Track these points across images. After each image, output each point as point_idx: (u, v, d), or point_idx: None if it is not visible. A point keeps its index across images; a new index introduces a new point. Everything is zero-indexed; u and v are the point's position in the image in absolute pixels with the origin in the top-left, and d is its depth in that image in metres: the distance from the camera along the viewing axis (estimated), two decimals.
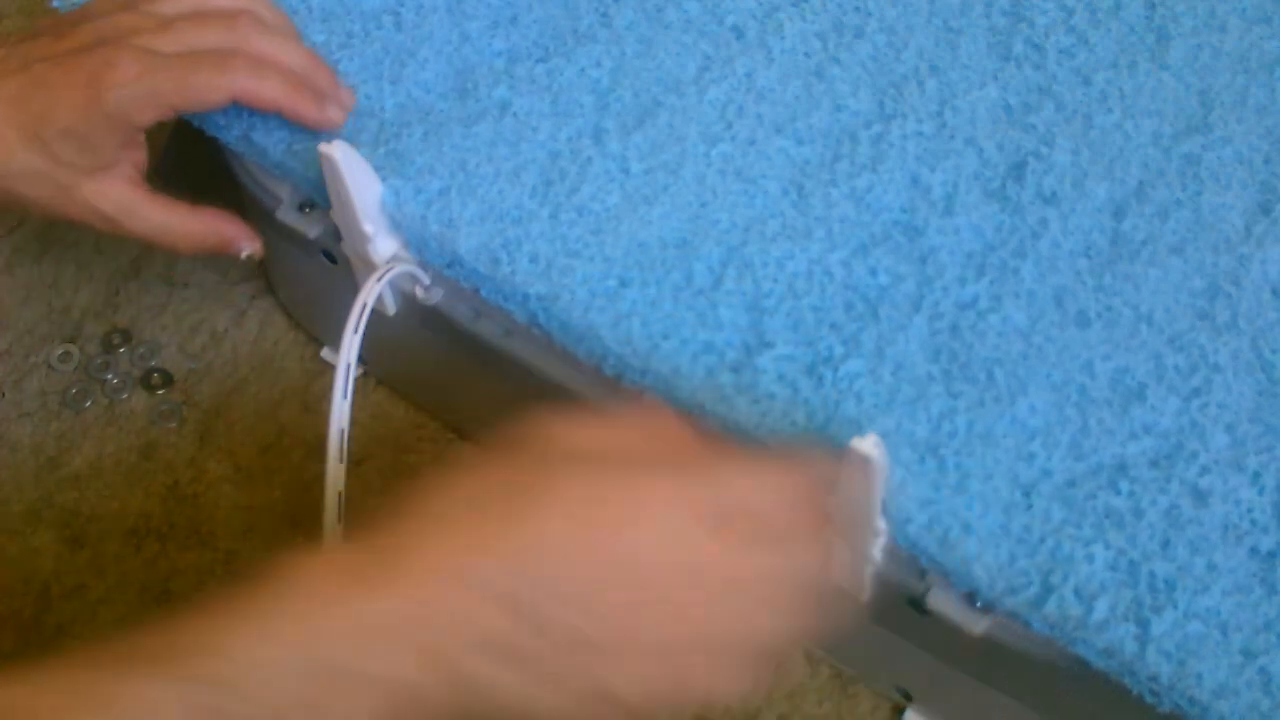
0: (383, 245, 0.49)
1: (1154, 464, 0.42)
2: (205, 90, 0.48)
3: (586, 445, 0.38)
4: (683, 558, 0.36)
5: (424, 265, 0.49)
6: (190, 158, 0.64)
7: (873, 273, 0.46)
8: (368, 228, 0.48)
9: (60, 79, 0.47)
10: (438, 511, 0.36)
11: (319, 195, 0.50)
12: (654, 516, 0.36)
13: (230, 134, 0.52)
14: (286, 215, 0.52)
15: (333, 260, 0.53)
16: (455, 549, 0.36)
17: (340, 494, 0.45)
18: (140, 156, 0.51)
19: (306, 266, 0.55)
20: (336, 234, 0.50)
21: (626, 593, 0.36)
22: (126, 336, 0.63)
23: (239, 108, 0.51)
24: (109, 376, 0.61)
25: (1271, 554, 0.40)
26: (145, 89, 0.47)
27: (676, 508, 0.36)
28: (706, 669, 0.37)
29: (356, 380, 0.47)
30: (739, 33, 0.53)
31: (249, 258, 0.53)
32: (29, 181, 0.48)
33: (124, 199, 0.50)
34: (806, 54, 0.53)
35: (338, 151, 0.45)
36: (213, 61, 0.48)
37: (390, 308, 0.51)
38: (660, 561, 0.36)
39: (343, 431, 0.45)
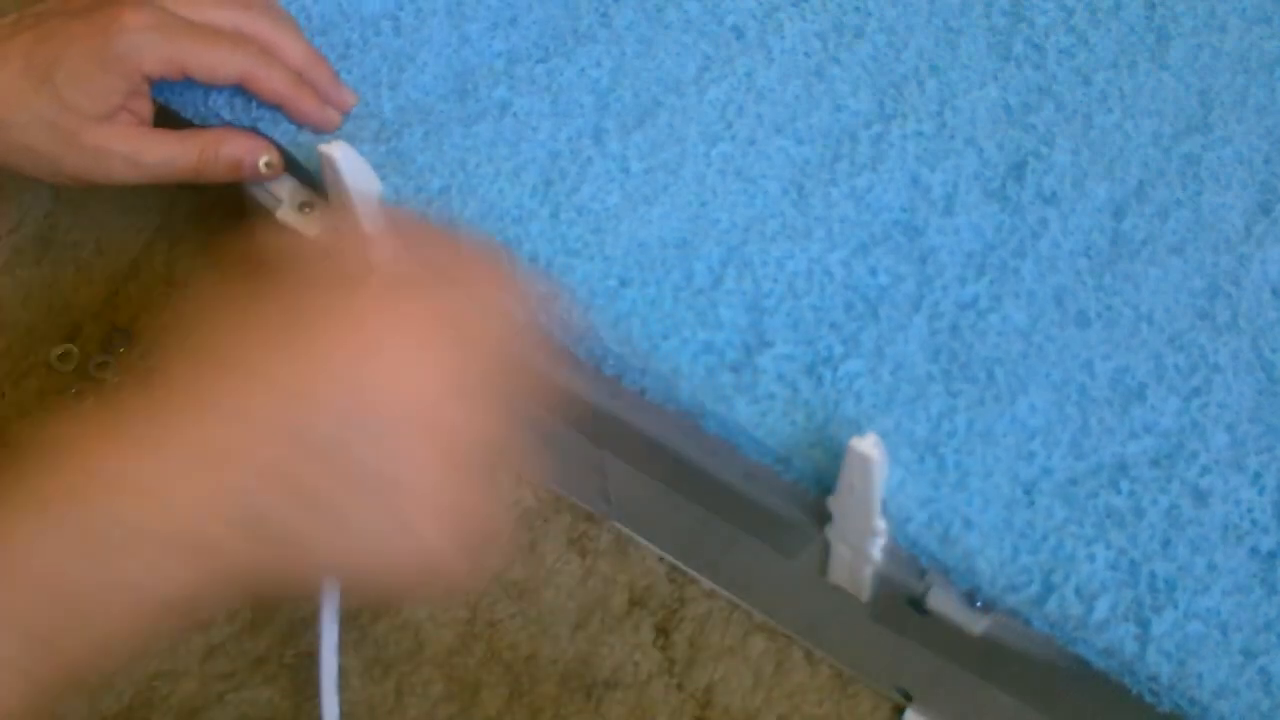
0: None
1: (1155, 463, 0.42)
2: (216, 62, 0.48)
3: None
4: (471, 414, 0.35)
5: None
6: None
7: (873, 272, 0.46)
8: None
9: (75, 28, 0.48)
10: (209, 349, 0.35)
11: (319, 194, 0.50)
12: (441, 353, 0.35)
13: None
14: (286, 215, 0.52)
15: None
16: (229, 389, 0.34)
17: None
18: (145, 108, 0.51)
19: None
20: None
21: (419, 432, 0.34)
22: (126, 336, 0.63)
23: (243, 103, 0.51)
24: (109, 377, 0.61)
25: (1272, 554, 0.40)
26: (158, 38, 0.48)
27: (466, 348, 0.36)
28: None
29: None
30: (739, 33, 0.53)
31: (268, 166, 0.52)
32: (37, 131, 0.48)
33: (132, 137, 0.50)
34: (806, 54, 0.53)
35: (338, 151, 0.45)
36: (228, 38, 0.49)
37: None
38: (454, 413, 0.35)
39: None
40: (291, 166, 0.51)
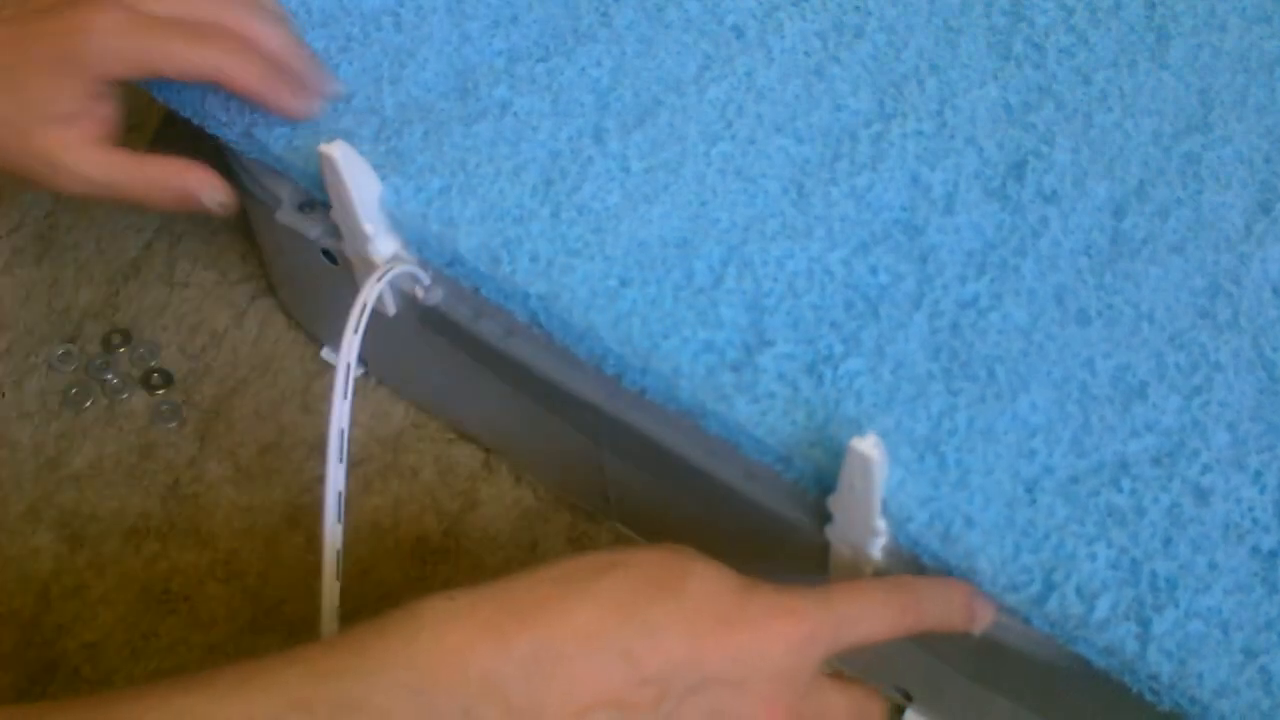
0: (383, 245, 0.49)
1: (1156, 462, 0.42)
2: (185, 60, 0.47)
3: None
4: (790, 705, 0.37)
5: (424, 265, 0.49)
6: (189, 156, 0.64)
7: (873, 271, 0.46)
8: (368, 227, 0.48)
9: (46, 25, 0.47)
10: (579, 579, 0.36)
11: (319, 194, 0.50)
12: (779, 649, 0.37)
13: (232, 131, 0.52)
14: (286, 215, 0.52)
15: (333, 260, 0.53)
16: (595, 612, 0.35)
17: (340, 494, 0.45)
18: (109, 113, 0.50)
19: (306, 266, 0.55)
20: (336, 234, 0.50)
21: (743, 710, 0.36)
22: (126, 336, 0.63)
23: (239, 104, 0.51)
24: (109, 376, 0.61)
25: (1273, 553, 0.40)
26: (123, 41, 0.47)
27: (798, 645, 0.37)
28: None
29: (356, 380, 0.47)
30: (739, 32, 0.53)
31: (221, 206, 0.51)
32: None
33: (81, 149, 0.49)
34: (806, 53, 0.53)
35: (338, 151, 0.45)
36: (199, 32, 0.48)
37: (390, 308, 0.51)
38: (773, 706, 0.37)
39: (343, 431, 0.45)
40: (291, 168, 0.51)
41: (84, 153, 0.48)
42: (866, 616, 0.38)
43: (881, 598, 0.39)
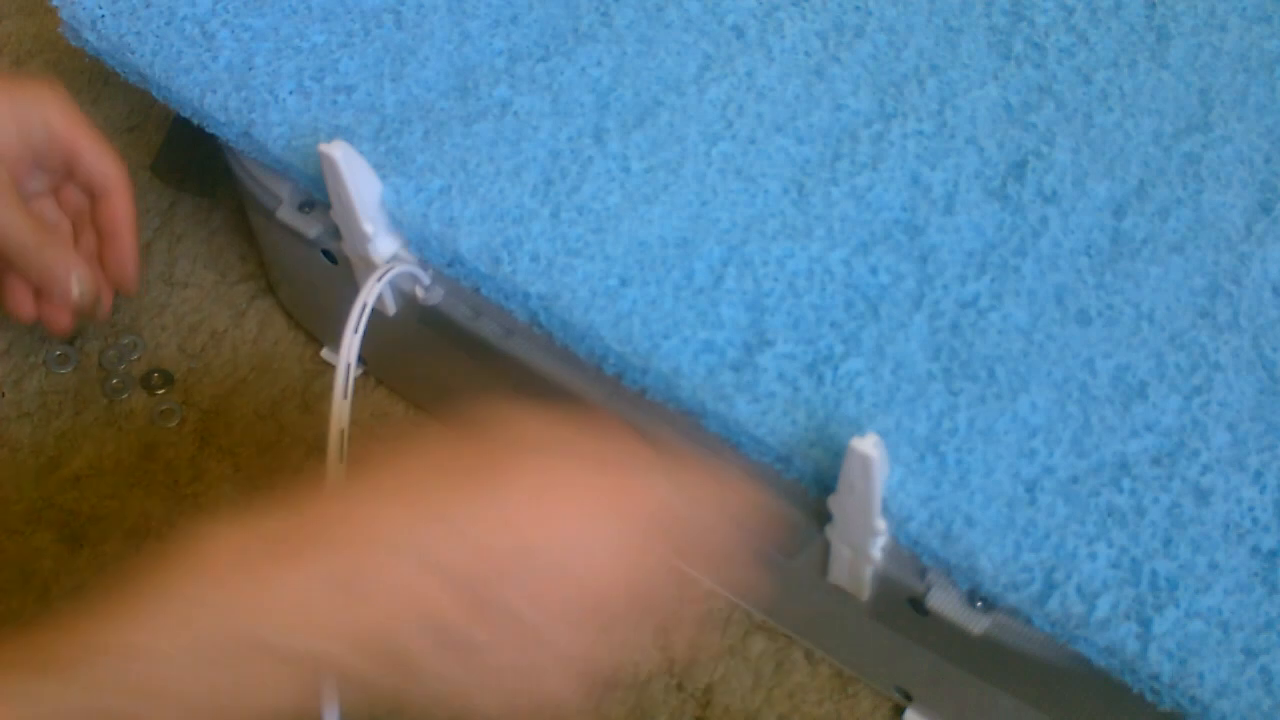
0: (383, 245, 0.49)
1: (1156, 462, 0.42)
2: None
3: (549, 436, 0.37)
4: (626, 575, 0.36)
5: (424, 264, 0.49)
6: (188, 156, 0.64)
7: (873, 271, 0.46)
8: (368, 227, 0.48)
9: None
10: (389, 486, 0.35)
11: (319, 193, 0.50)
12: (607, 522, 0.36)
13: (231, 131, 0.52)
14: (286, 215, 0.52)
15: (333, 260, 0.53)
16: (399, 519, 0.34)
17: None
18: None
19: (306, 266, 0.55)
20: (336, 233, 0.50)
21: (575, 595, 0.35)
22: (127, 337, 0.63)
23: (237, 104, 0.51)
24: (109, 377, 0.61)
25: (1273, 553, 0.40)
26: None
27: (628, 519, 0.36)
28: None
29: (356, 380, 0.47)
30: (739, 32, 0.53)
31: (81, 295, 0.52)
32: None
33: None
34: (807, 53, 0.53)
35: (338, 151, 0.45)
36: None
37: (390, 308, 0.51)
38: (611, 577, 0.36)
39: (343, 431, 0.45)
40: (291, 168, 0.51)
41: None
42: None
43: (700, 477, 0.39)
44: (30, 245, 0.50)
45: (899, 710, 0.52)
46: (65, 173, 0.53)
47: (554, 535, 0.35)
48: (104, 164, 0.52)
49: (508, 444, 0.37)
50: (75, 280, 0.51)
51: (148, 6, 0.55)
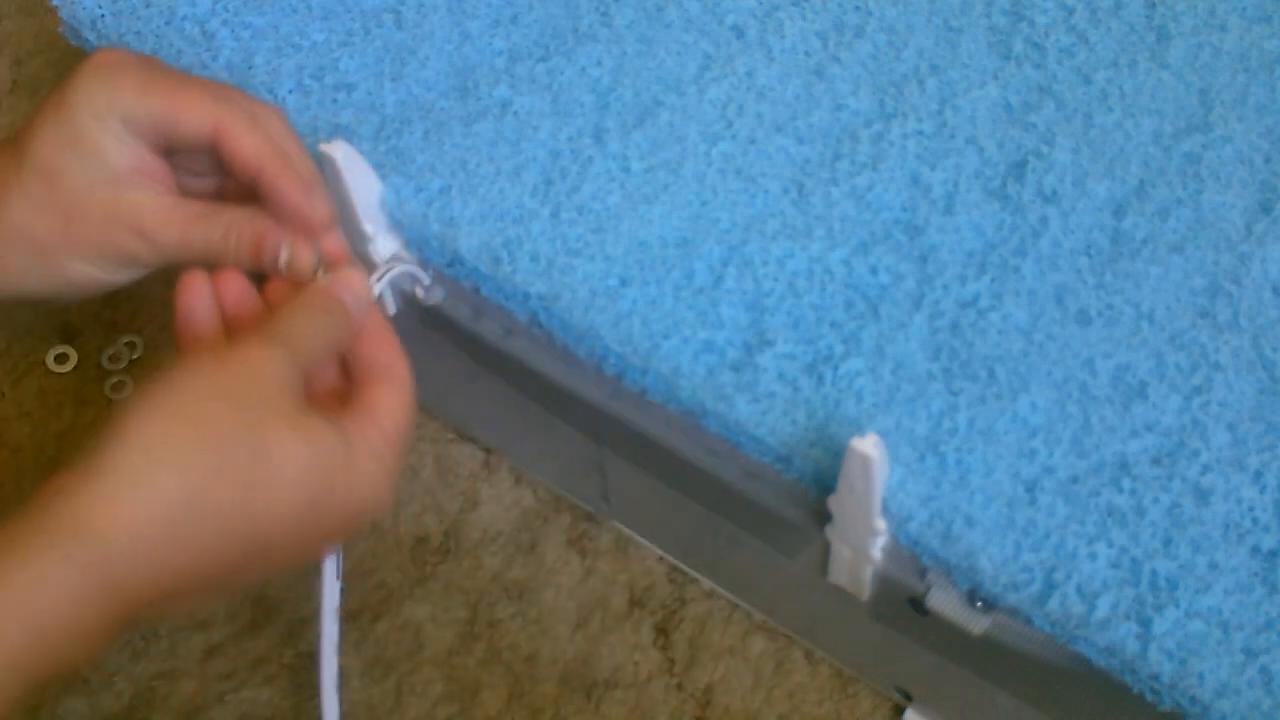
0: (383, 245, 0.49)
1: (1156, 462, 0.42)
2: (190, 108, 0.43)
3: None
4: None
5: (424, 264, 0.49)
6: None
7: (873, 271, 0.46)
8: (368, 227, 0.48)
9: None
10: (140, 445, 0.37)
11: None
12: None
13: None
14: None
15: None
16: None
17: None
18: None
19: None
20: None
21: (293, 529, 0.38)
22: (127, 337, 0.63)
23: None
24: (109, 376, 0.61)
25: (1273, 553, 0.40)
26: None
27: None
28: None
29: None
30: (739, 32, 0.53)
31: (287, 266, 0.44)
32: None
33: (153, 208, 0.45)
34: (807, 53, 0.53)
35: (338, 151, 0.45)
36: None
37: (390, 308, 0.51)
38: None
39: None
40: None
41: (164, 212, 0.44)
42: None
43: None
44: (214, 244, 0.44)
45: (899, 710, 0.52)
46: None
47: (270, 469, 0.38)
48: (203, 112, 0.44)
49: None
50: (284, 249, 0.44)
51: (148, 6, 0.55)
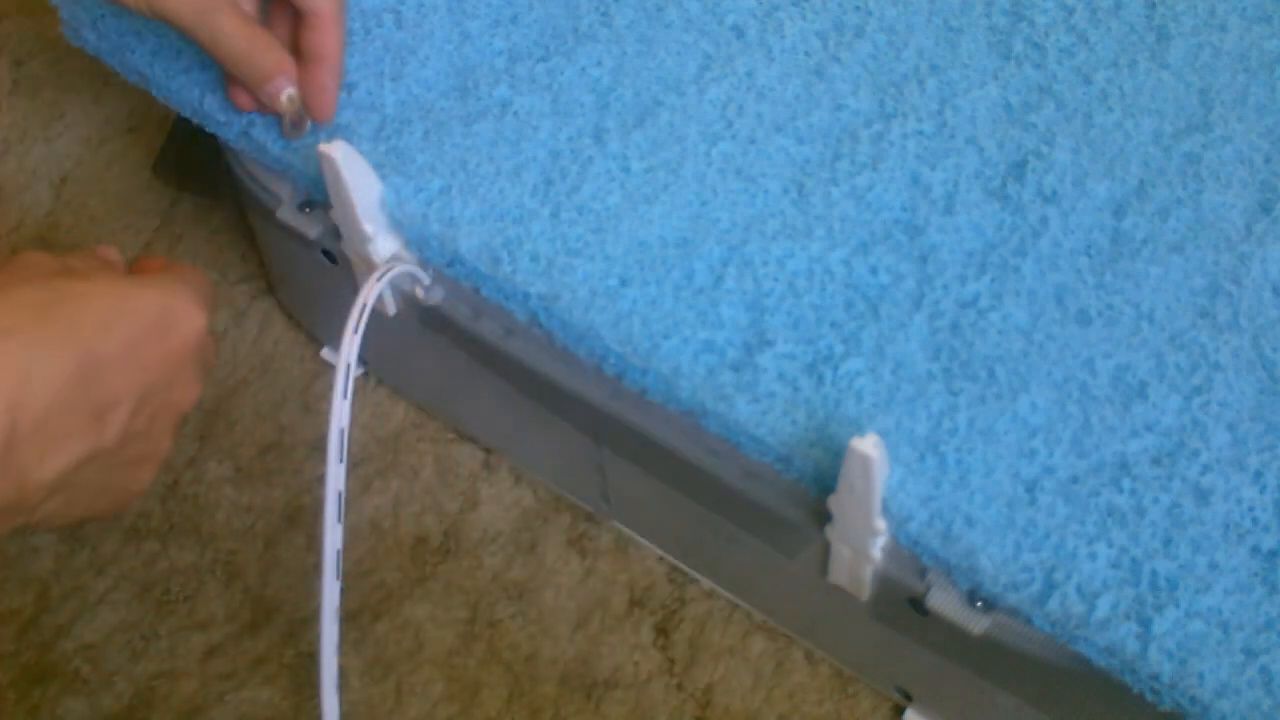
0: (383, 245, 0.49)
1: (1156, 462, 0.42)
2: None
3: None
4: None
5: (424, 265, 0.49)
6: (188, 156, 0.64)
7: (873, 271, 0.46)
8: (368, 227, 0.48)
9: None
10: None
11: (319, 193, 0.50)
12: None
13: (230, 130, 0.52)
14: (286, 215, 0.52)
15: (333, 260, 0.53)
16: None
17: (340, 494, 0.45)
18: None
19: (306, 266, 0.55)
20: (336, 234, 0.50)
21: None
22: None
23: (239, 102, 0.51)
24: None
25: (1273, 553, 0.40)
26: None
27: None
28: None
29: (356, 380, 0.47)
30: (739, 32, 0.53)
31: (289, 100, 0.50)
32: None
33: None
34: (807, 53, 0.53)
35: (338, 151, 0.45)
36: None
37: (390, 308, 0.51)
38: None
39: (343, 431, 0.45)
40: (291, 168, 0.51)
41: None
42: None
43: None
44: (241, 52, 0.49)
45: (899, 710, 0.52)
46: None
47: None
48: None
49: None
50: (286, 96, 0.50)
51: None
